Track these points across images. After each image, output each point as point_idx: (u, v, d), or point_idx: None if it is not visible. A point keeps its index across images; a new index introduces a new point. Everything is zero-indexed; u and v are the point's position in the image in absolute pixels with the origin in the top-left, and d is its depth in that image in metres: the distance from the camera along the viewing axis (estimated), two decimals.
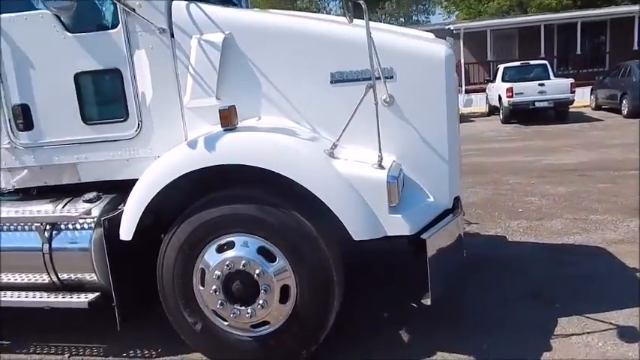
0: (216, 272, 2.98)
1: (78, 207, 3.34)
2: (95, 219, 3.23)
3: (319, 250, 2.90)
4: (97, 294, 3.31)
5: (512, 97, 15.61)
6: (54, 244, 3.30)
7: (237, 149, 2.91)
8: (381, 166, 2.86)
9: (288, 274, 2.94)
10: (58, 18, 3.22)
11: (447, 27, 24.05)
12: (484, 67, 23.01)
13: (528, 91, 15.58)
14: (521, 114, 16.03)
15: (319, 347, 3.05)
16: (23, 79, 3.30)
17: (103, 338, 3.59)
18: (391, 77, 3.07)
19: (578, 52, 22.51)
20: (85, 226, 3.26)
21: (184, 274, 3.08)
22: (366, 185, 2.82)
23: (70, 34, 3.23)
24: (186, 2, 3.21)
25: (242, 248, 2.97)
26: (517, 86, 15.67)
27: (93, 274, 3.27)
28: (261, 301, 2.97)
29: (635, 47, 21.43)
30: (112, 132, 3.33)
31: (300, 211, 2.91)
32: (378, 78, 2.94)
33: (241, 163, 2.87)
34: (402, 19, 49.27)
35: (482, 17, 28.89)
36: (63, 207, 3.37)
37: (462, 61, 23.24)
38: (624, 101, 15.37)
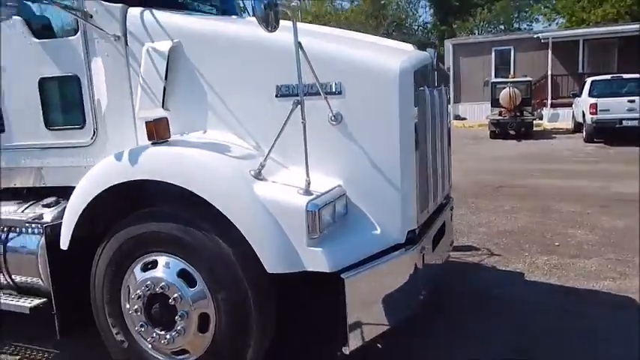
0: (137, 292, 2.85)
1: (37, 211, 3.38)
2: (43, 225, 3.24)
3: (237, 278, 2.64)
4: (44, 300, 3.30)
5: (595, 113, 14.12)
6: (9, 246, 3.35)
7: (155, 164, 2.75)
8: (307, 192, 2.55)
9: (207, 302, 2.72)
10: (27, 23, 3.28)
11: (535, 36, 22.50)
12: (575, 80, 21.11)
13: (615, 107, 13.98)
14: (608, 133, 14.44)
15: None
16: None
17: (58, 344, 3.57)
18: (339, 93, 2.78)
19: None
20: (36, 231, 3.28)
21: (112, 290, 2.97)
22: (284, 213, 2.52)
23: (36, 40, 3.28)
24: (141, 9, 3.13)
25: (164, 269, 2.80)
26: (602, 102, 14.12)
27: (40, 280, 3.28)
28: (178, 328, 2.78)
29: None
30: (72, 138, 3.34)
31: (222, 234, 2.68)
32: (317, 93, 2.68)
33: (157, 179, 2.70)
34: (502, 27, 46.88)
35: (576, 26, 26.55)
36: (24, 210, 3.43)
37: (550, 72, 21.54)
38: None
